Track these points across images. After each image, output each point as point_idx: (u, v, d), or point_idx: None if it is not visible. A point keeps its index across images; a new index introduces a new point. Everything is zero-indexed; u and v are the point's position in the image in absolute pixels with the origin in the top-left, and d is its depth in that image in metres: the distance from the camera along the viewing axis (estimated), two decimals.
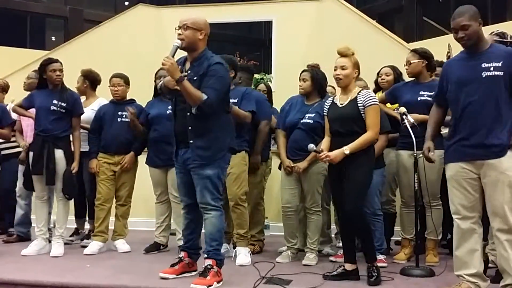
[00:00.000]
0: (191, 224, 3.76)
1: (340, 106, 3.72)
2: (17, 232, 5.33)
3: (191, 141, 3.52)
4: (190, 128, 3.51)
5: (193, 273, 3.70)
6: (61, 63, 4.70)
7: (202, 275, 3.46)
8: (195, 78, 3.48)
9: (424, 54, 4.36)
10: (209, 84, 3.45)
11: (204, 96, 3.40)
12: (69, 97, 4.66)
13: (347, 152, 3.53)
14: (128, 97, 5.00)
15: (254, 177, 4.75)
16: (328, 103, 3.86)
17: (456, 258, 3.27)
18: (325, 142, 3.80)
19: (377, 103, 3.69)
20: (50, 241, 4.71)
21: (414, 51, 4.44)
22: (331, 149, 3.70)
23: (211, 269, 3.49)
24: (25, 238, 5.24)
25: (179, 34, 3.51)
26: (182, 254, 3.74)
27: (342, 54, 3.72)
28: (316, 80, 4.35)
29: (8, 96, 5.71)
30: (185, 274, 3.66)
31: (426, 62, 4.35)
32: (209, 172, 3.52)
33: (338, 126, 3.69)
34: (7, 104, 5.50)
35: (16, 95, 5.71)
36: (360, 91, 3.71)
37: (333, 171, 3.72)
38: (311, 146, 3.74)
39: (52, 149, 4.54)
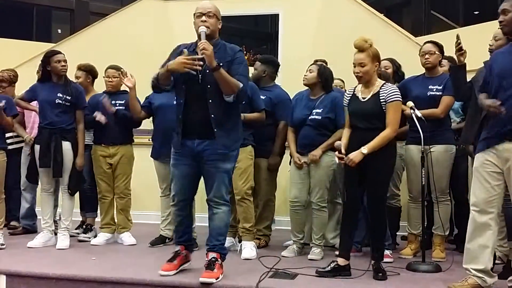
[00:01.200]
0: (185, 220, 3.66)
1: (363, 100, 3.67)
2: (23, 224, 5.35)
3: (216, 130, 3.40)
4: (212, 116, 3.39)
5: (188, 263, 3.69)
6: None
7: (209, 268, 3.44)
8: (221, 64, 3.35)
9: (441, 48, 4.33)
10: (240, 72, 3.42)
11: (241, 84, 3.36)
12: (73, 90, 4.65)
13: (365, 151, 3.50)
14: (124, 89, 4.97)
15: (268, 174, 4.74)
16: (348, 94, 3.80)
17: (467, 251, 3.24)
18: (345, 135, 3.76)
19: (400, 99, 3.62)
20: (56, 234, 4.72)
21: (434, 43, 4.35)
22: (351, 142, 3.67)
23: (216, 262, 3.48)
24: (31, 230, 5.26)
25: (204, 21, 3.41)
26: (178, 247, 3.67)
27: (359, 48, 3.62)
28: (322, 74, 4.32)
29: (18, 88, 5.70)
30: (183, 266, 3.65)
31: (441, 57, 4.32)
32: (228, 166, 3.51)
33: (359, 121, 3.65)
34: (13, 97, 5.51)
35: (22, 87, 5.71)
36: (383, 85, 3.66)
37: (350, 169, 3.62)
38: (338, 143, 3.69)
39: (59, 141, 4.55)
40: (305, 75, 4.36)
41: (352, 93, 3.78)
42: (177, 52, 3.54)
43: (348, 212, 3.72)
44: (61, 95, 4.58)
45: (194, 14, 3.50)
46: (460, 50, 3.63)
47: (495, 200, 3.15)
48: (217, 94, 3.40)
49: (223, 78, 3.31)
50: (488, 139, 3.17)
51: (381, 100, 3.59)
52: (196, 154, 3.48)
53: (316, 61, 4.81)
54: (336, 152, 3.67)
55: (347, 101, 3.78)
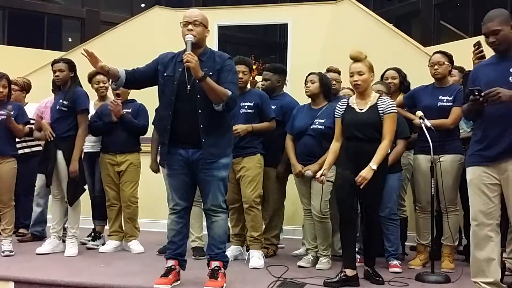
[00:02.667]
0: (184, 229, 3.61)
1: (360, 111, 3.69)
2: (32, 231, 5.37)
3: (203, 140, 3.39)
4: (201, 126, 3.37)
5: (179, 282, 3.55)
6: (67, 62, 4.66)
7: (213, 277, 3.43)
8: (210, 73, 3.34)
9: (451, 58, 4.32)
10: (229, 79, 3.41)
11: (229, 92, 3.34)
12: (72, 94, 4.59)
13: (374, 167, 3.51)
14: (135, 98, 5.02)
15: (277, 183, 4.74)
16: (342, 105, 3.81)
17: (473, 264, 3.22)
18: (332, 150, 3.78)
19: (396, 111, 3.68)
20: (64, 241, 4.73)
21: (443, 53, 4.33)
22: (346, 153, 3.69)
23: (219, 271, 3.46)
24: (40, 237, 5.27)
25: (190, 30, 3.39)
26: (172, 262, 3.55)
27: (355, 59, 3.68)
28: (324, 83, 4.32)
29: (29, 96, 5.75)
30: (175, 284, 3.50)
31: (451, 67, 4.31)
32: (223, 174, 3.49)
33: (358, 132, 3.66)
34: (26, 103, 5.56)
35: (33, 95, 5.77)
36: (379, 97, 3.71)
37: (345, 179, 3.66)
38: (309, 173, 3.84)
39: (54, 150, 4.56)
40: (307, 87, 4.35)
41: (346, 104, 3.79)
42: (166, 60, 3.52)
43: (345, 223, 3.73)
44: (61, 101, 4.59)
45: (180, 22, 3.47)
46: (481, 58, 3.60)
47: (493, 212, 3.14)
48: (207, 104, 3.36)
49: (210, 87, 3.28)
50: (481, 156, 3.15)
51: (380, 111, 3.64)
52: (192, 162, 3.46)
53: (328, 69, 4.82)
54: (314, 178, 3.79)
55: (341, 112, 3.79)
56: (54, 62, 4.71)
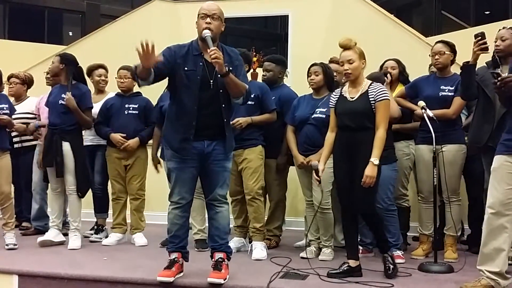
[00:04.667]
0: (186, 223, 3.61)
1: (351, 100, 3.65)
2: (34, 226, 5.39)
3: (227, 133, 3.47)
4: (225, 120, 3.44)
5: (182, 273, 3.55)
6: (61, 57, 4.73)
7: (216, 268, 3.43)
8: (231, 68, 3.36)
9: (453, 47, 4.29)
10: (243, 73, 3.51)
11: (247, 86, 3.43)
12: (76, 91, 4.64)
13: (376, 162, 3.46)
14: (137, 91, 5.01)
15: (279, 175, 4.74)
16: (335, 95, 3.77)
17: (482, 252, 3.20)
18: (328, 142, 3.74)
19: (388, 98, 3.61)
20: (67, 234, 4.75)
21: (445, 42, 4.31)
22: (339, 143, 3.67)
23: (223, 262, 3.47)
24: (43, 231, 5.26)
25: (209, 23, 3.34)
26: (175, 255, 3.54)
27: (345, 47, 3.63)
28: (327, 74, 4.32)
29: (31, 90, 5.75)
30: (178, 276, 3.51)
31: (453, 56, 4.29)
32: (229, 165, 3.57)
33: (349, 121, 3.62)
34: (28, 97, 5.57)
35: (34, 88, 5.77)
36: (370, 84, 3.65)
37: (342, 170, 3.66)
38: (315, 163, 3.74)
39: (60, 142, 4.57)
40: (311, 79, 4.34)
41: (339, 93, 3.75)
42: (183, 53, 3.42)
43: (346, 214, 3.72)
44: (64, 96, 4.60)
45: (198, 14, 3.41)
46: (483, 49, 3.58)
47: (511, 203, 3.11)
48: (228, 98, 3.44)
49: (233, 82, 3.32)
50: (507, 146, 3.12)
51: (370, 99, 3.57)
52: (206, 154, 3.45)
53: (330, 60, 4.80)
54: (313, 174, 3.72)
55: (334, 102, 3.75)
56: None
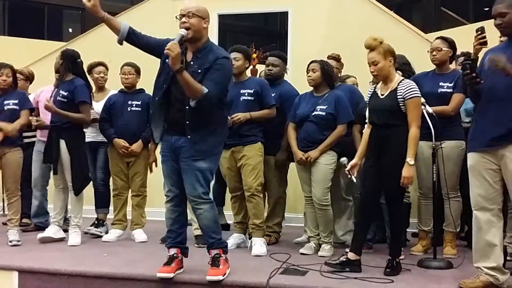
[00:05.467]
0: (180, 218, 3.58)
1: (381, 97, 3.67)
2: (35, 223, 5.39)
3: (189, 136, 3.34)
4: (188, 122, 3.33)
5: (182, 270, 3.56)
6: (60, 54, 4.74)
7: (214, 265, 3.41)
8: (199, 70, 3.31)
9: (452, 44, 4.28)
10: (213, 78, 3.30)
11: (205, 90, 3.24)
12: (69, 85, 4.63)
13: (412, 163, 3.50)
14: (140, 87, 5.02)
15: (278, 171, 4.75)
16: (370, 91, 3.81)
17: (475, 250, 3.23)
18: (364, 137, 3.77)
19: (419, 95, 3.59)
20: (67, 231, 4.76)
21: (444, 38, 4.31)
22: (370, 141, 3.70)
23: (220, 258, 3.45)
24: (44, 227, 5.26)
25: (184, 23, 3.32)
26: (174, 251, 3.54)
27: (369, 48, 3.62)
28: (325, 71, 4.32)
29: (32, 87, 5.75)
30: (178, 271, 3.52)
31: (452, 53, 4.29)
32: (203, 165, 3.38)
33: (376, 118, 3.65)
34: (29, 93, 5.57)
35: (34, 85, 5.77)
36: (401, 81, 3.65)
37: (368, 169, 3.68)
38: (343, 159, 3.85)
39: (57, 139, 4.59)
40: (309, 76, 4.35)
41: (373, 90, 3.78)
42: (165, 41, 3.42)
43: (363, 207, 3.73)
44: (60, 92, 4.61)
45: (176, 16, 3.42)
46: (482, 44, 3.57)
47: (495, 197, 3.14)
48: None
49: (185, 81, 3.19)
50: (479, 141, 3.16)
51: (399, 97, 3.57)
52: (174, 149, 3.43)
53: (328, 57, 4.80)
54: (346, 169, 3.74)
55: (368, 98, 3.79)
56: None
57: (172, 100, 3.40)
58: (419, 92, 3.61)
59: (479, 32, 3.53)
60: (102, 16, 3.43)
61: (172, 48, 3.14)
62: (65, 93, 4.59)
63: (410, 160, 3.48)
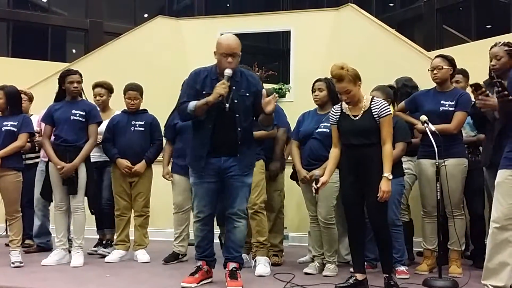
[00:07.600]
0: (209, 235, 3.83)
1: (354, 118, 3.66)
2: (37, 243, 5.37)
3: (238, 155, 3.66)
4: (239, 143, 3.65)
5: (210, 279, 3.81)
6: (80, 75, 4.73)
7: (233, 277, 3.63)
8: (247, 94, 3.65)
9: (452, 61, 4.29)
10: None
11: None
12: (86, 106, 4.69)
13: (390, 177, 3.52)
14: (143, 108, 5.04)
15: (275, 185, 4.75)
16: (336, 112, 3.78)
17: (486, 267, 3.16)
18: (332, 157, 3.76)
19: (391, 112, 3.66)
20: (70, 252, 4.73)
21: (444, 57, 4.32)
22: (347, 160, 3.69)
23: (238, 271, 3.68)
24: (46, 248, 5.27)
25: (230, 63, 3.57)
26: (200, 263, 3.79)
27: (338, 78, 3.60)
28: (331, 89, 4.32)
29: (32, 107, 5.79)
30: (204, 281, 3.76)
31: (452, 70, 4.29)
32: (250, 180, 3.75)
33: (355, 139, 3.64)
34: (31, 115, 5.58)
35: (37, 106, 5.80)
36: (372, 100, 3.67)
37: (350, 186, 3.68)
38: (316, 174, 3.78)
39: (74, 159, 4.57)
40: (315, 95, 4.36)
41: (339, 111, 3.76)
42: (201, 78, 3.68)
43: (353, 229, 3.73)
44: (75, 112, 4.62)
45: (218, 50, 3.60)
46: (486, 96, 3.44)
47: None
48: (245, 122, 3.68)
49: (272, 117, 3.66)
50: (509, 159, 3.10)
51: (375, 116, 3.60)
52: (222, 170, 3.67)
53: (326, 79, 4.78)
54: (313, 184, 3.70)
55: (335, 119, 3.76)
56: (70, 73, 4.73)
57: (218, 126, 3.64)
58: (390, 109, 3.67)
59: (474, 88, 3.39)
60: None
61: (221, 90, 3.48)
62: (83, 113, 4.63)
63: (388, 175, 3.51)
